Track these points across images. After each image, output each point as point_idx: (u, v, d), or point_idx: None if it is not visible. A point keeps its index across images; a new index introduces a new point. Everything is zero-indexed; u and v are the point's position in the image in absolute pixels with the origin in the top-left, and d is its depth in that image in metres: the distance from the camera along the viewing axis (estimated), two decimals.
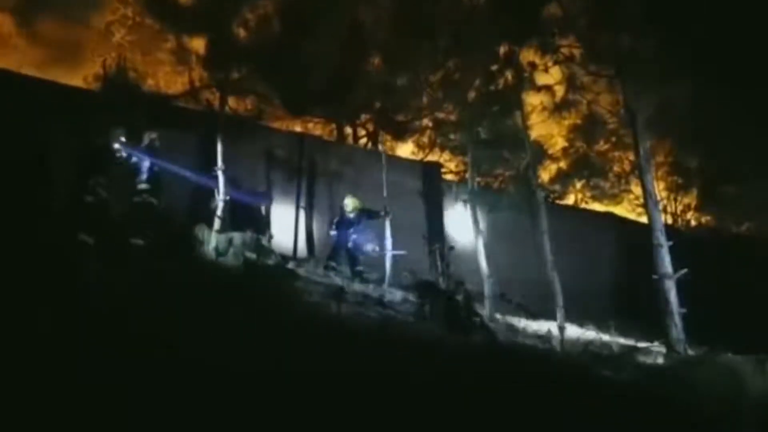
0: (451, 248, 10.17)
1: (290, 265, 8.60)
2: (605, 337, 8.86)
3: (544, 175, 13.35)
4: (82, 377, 2.67)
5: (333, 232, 9.33)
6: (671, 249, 8.80)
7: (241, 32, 9.31)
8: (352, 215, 9.18)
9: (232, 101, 9.56)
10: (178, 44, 9.22)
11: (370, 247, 9.17)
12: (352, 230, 9.10)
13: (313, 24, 9.10)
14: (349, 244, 9.08)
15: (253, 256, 7.93)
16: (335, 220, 9.47)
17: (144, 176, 7.38)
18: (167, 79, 11.79)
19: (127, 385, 2.67)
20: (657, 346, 8.32)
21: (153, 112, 7.98)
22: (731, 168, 11.49)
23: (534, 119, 11.29)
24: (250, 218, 9.01)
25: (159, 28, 10.37)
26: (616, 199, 14.63)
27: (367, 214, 9.27)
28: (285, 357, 3.16)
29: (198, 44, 9.08)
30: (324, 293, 7.26)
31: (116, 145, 7.23)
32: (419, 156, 13.97)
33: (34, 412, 2.40)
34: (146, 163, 7.40)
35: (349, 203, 9.23)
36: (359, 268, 8.95)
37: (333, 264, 8.89)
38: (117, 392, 2.60)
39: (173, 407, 2.55)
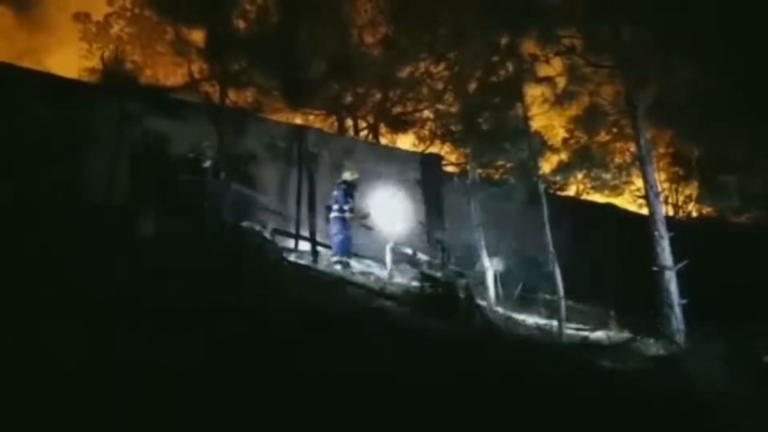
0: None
1: (292, 256, 8.62)
2: (605, 328, 8.89)
3: (545, 167, 13.31)
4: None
5: (333, 215, 9.23)
6: (671, 240, 8.82)
7: (241, 23, 9.29)
8: (349, 181, 9.15)
9: (231, 93, 9.53)
10: (177, 36, 9.19)
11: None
12: (345, 204, 9.01)
13: (312, 14, 9.06)
14: (342, 233, 9.03)
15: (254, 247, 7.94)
16: (333, 195, 9.38)
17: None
18: (167, 71, 11.77)
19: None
20: (655, 337, 8.34)
21: (152, 105, 8.01)
22: (731, 157, 11.44)
23: (535, 110, 11.23)
24: (252, 210, 9.04)
25: (158, 20, 10.34)
26: (617, 190, 14.60)
27: (353, 190, 9.20)
28: (281, 349, 3.18)
29: (197, 36, 9.05)
30: (325, 283, 7.30)
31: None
32: (420, 148, 13.94)
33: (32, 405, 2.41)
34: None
35: (348, 174, 9.23)
36: (346, 259, 8.92)
37: (337, 258, 8.89)
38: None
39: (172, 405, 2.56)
